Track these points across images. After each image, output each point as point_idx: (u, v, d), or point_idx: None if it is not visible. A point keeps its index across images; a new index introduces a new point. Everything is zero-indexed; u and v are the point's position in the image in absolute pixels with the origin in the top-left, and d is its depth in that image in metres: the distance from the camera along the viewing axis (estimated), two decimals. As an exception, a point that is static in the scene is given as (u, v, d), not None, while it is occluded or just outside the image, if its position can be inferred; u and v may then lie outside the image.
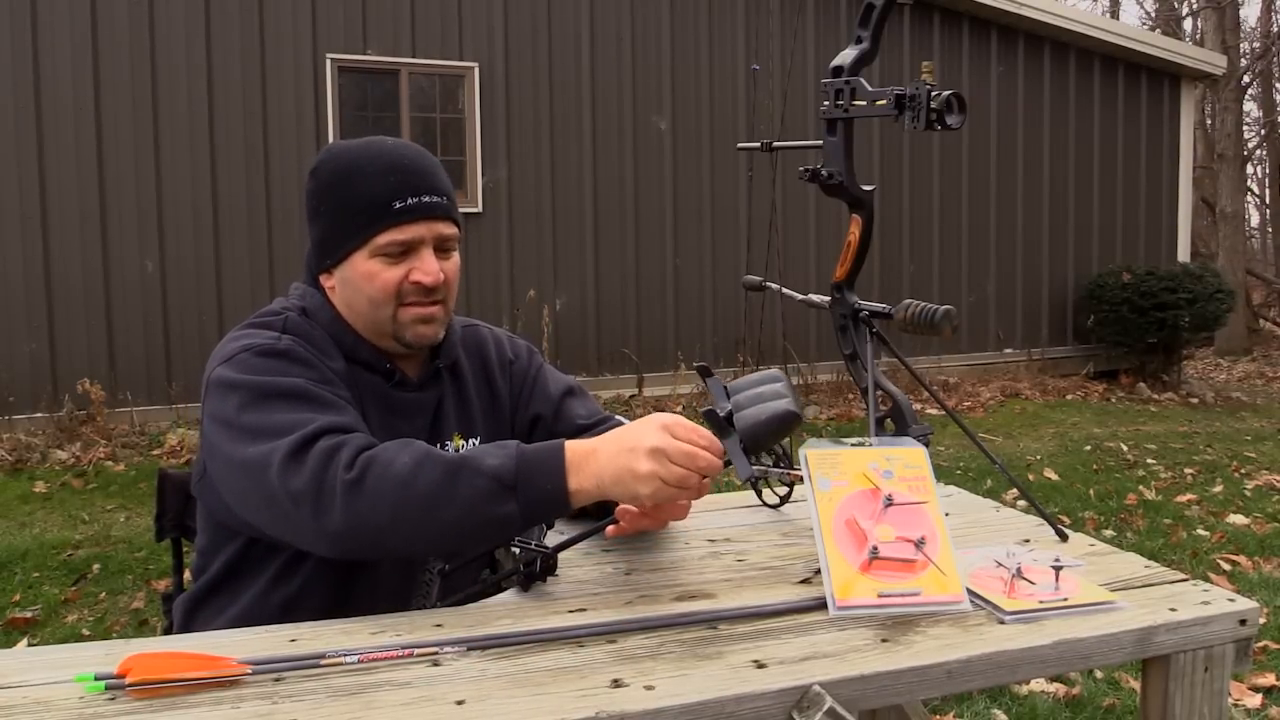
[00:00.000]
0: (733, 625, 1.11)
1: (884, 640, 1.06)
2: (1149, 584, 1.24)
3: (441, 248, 1.34)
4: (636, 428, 1.15)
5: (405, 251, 1.31)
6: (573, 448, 1.15)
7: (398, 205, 1.29)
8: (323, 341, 1.33)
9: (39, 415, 6.04)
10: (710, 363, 1.33)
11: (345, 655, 0.99)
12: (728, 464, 1.20)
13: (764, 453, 1.54)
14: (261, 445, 1.16)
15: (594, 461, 1.14)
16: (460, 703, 0.91)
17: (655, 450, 1.12)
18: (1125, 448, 6.29)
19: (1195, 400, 8.52)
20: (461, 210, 1.45)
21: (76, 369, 6.13)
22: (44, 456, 5.59)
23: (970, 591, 1.16)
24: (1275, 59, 18.18)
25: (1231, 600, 1.18)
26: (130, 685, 0.92)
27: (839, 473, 1.20)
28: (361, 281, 1.31)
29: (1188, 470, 5.65)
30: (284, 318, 1.33)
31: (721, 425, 1.22)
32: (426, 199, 1.31)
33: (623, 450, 1.13)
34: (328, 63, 6.76)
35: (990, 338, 9.01)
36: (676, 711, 0.91)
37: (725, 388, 1.30)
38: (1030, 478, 5.42)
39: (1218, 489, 5.19)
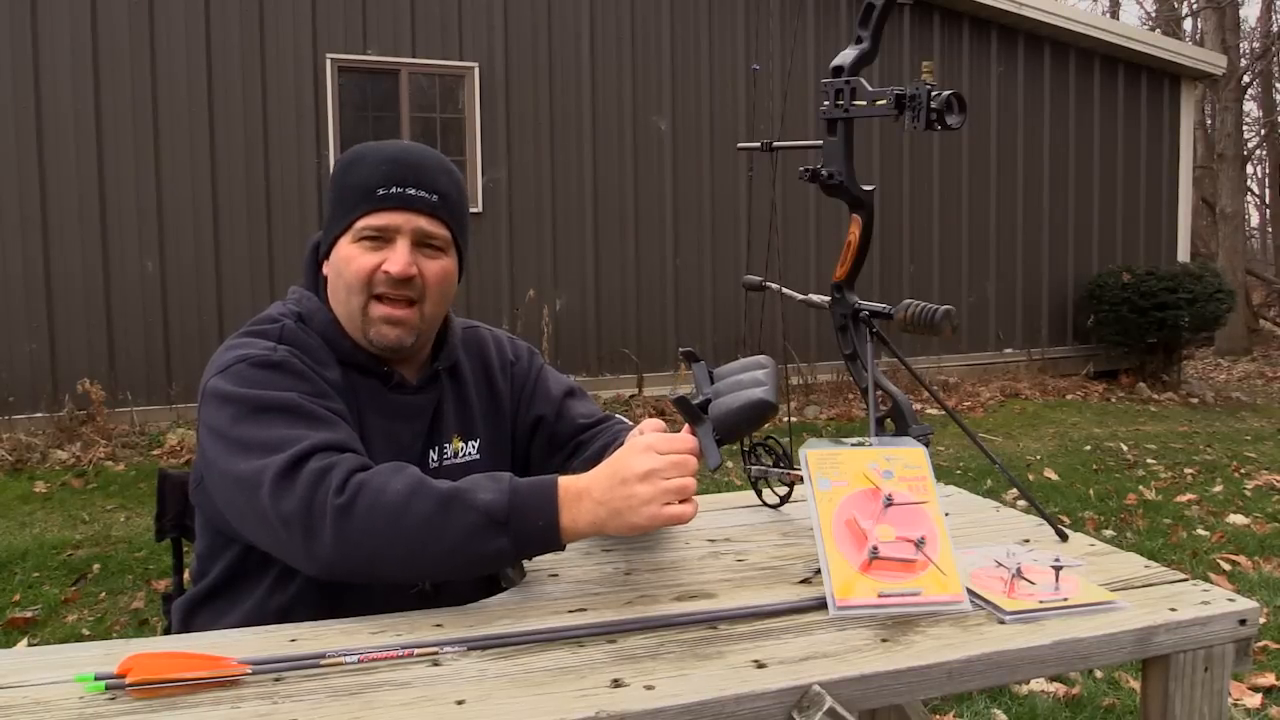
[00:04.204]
0: (733, 625, 1.10)
1: (884, 640, 1.06)
2: (1149, 584, 1.24)
3: (425, 244, 1.33)
4: (623, 458, 1.16)
5: (383, 240, 1.31)
6: (566, 485, 1.15)
7: (380, 192, 1.30)
8: (319, 350, 1.32)
9: (39, 415, 6.04)
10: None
11: (345, 655, 0.99)
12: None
13: (763, 449, 1.54)
14: (254, 461, 1.16)
15: (588, 499, 1.14)
16: (460, 703, 0.91)
17: (648, 473, 1.13)
18: (1125, 448, 6.29)
19: (1195, 400, 8.52)
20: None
21: (76, 369, 6.13)
22: (44, 456, 5.59)
23: (970, 591, 1.16)
24: (1275, 59, 18.18)
25: (1231, 600, 1.18)
26: (130, 685, 0.92)
27: (839, 473, 1.20)
28: (342, 265, 1.32)
29: (1188, 470, 5.65)
30: (281, 326, 1.33)
31: (694, 413, 1.22)
32: (411, 191, 1.31)
33: (615, 484, 1.14)
34: (328, 63, 6.76)
35: (990, 338, 9.01)
36: (676, 711, 0.91)
37: (711, 373, 1.31)
38: (1030, 478, 5.42)
39: (1218, 489, 5.19)
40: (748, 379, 1.25)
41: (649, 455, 1.15)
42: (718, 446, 1.21)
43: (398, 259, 1.30)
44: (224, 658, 0.97)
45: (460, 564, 1.14)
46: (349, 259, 1.32)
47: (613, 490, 1.14)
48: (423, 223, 1.32)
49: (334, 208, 1.35)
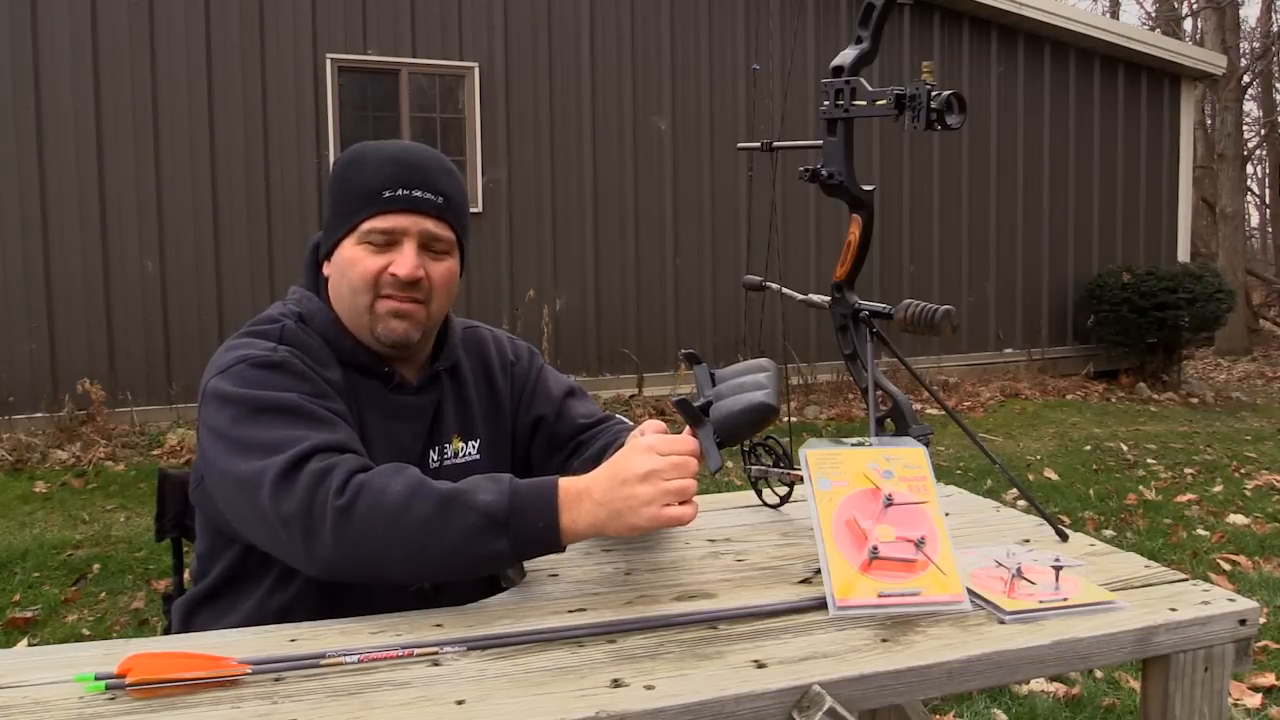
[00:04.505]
0: (732, 625, 1.10)
1: (884, 640, 1.06)
2: (1149, 584, 1.24)
3: (430, 247, 1.33)
4: (623, 459, 1.16)
5: (389, 242, 1.31)
6: (566, 486, 1.15)
7: (386, 194, 1.30)
8: (319, 351, 1.32)
9: (39, 415, 6.04)
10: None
11: (345, 655, 0.99)
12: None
13: (763, 449, 1.54)
14: (254, 462, 1.16)
15: (588, 500, 1.14)
16: (460, 703, 0.91)
17: (648, 474, 1.13)
18: (1125, 448, 6.29)
19: (1195, 400, 8.52)
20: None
21: (76, 369, 6.13)
22: (44, 456, 5.59)
23: (970, 591, 1.16)
24: (1275, 59, 18.18)
25: (1231, 600, 1.18)
26: (130, 685, 0.92)
27: (839, 473, 1.20)
28: (346, 267, 1.32)
29: (1188, 470, 5.65)
30: (281, 326, 1.33)
31: (695, 415, 1.22)
32: (417, 193, 1.31)
33: (615, 485, 1.13)
34: (328, 63, 6.76)
35: (990, 338, 9.01)
36: (676, 711, 0.91)
37: (713, 375, 1.31)
38: (1030, 478, 5.42)
39: (1218, 489, 5.19)
40: (749, 381, 1.24)
41: (649, 456, 1.14)
42: (718, 449, 1.21)
43: (405, 262, 1.30)
44: (224, 658, 0.97)
45: (460, 565, 1.14)
46: (354, 261, 1.31)
47: (613, 491, 1.13)
48: (429, 225, 1.32)
49: (336, 208, 1.35)
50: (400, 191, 1.30)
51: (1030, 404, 7.84)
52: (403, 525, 1.10)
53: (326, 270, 1.37)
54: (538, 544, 1.15)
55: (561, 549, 1.17)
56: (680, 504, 1.14)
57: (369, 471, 1.15)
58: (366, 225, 1.31)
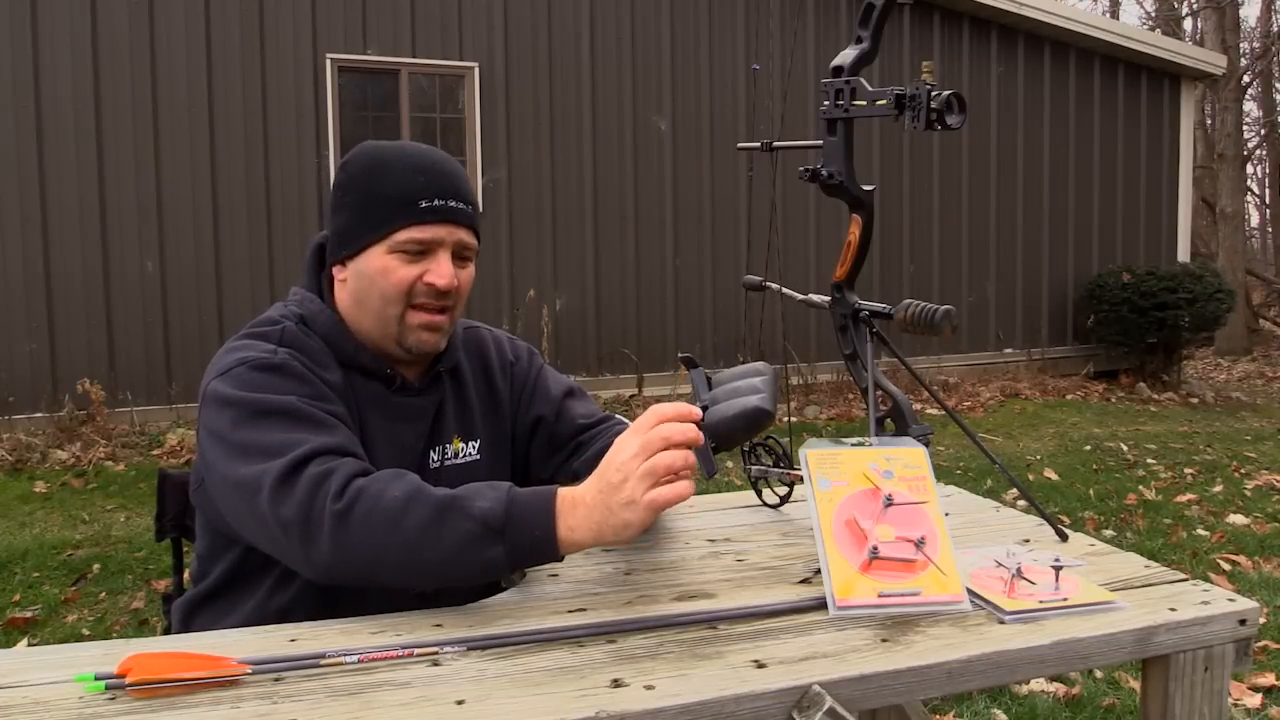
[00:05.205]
0: (732, 625, 1.10)
1: (884, 640, 1.06)
2: (1149, 584, 1.24)
3: (460, 255, 1.35)
4: (610, 455, 1.11)
5: (423, 252, 1.31)
6: (564, 495, 1.12)
7: (423, 204, 1.30)
8: (319, 353, 1.32)
9: (39, 415, 6.04)
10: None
11: (345, 655, 0.99)
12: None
13: (763, 449, 1.54)
14: (254, 466, 1.16)
15: (582, 505, 1.10)
16: (460, 703, 0.91)
17: (633, 458, 1.08)
18: (1125, 448, 6.29)
19: (1195, 400, 8.52)
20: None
21: (76, 369, 6.13)
22: (44, 456, 5.59)
23: (970, 591, 1.16)
24: (1275, 59, 18.18)
25: (1231, 600, 1.17)
26: (130, 685, 0.92)
27: (839, 473, 1.20)
28: (376, 275, 1.31)
29: (1188, 470, 5.65)
30: (281, 328, 1.32)
31: None
32: (452, 203, 1.32)
33: (605, 487, 1.09)
34: (328, 63, 6.76)
35: (990, 338, 9.01)
36: (676, 711, 0.91)
37: (709, 379, 1.31)
38: (1030, 478, 5.42)
39: (1218, 489, 5.19)
40: (745, 386, 1.24)
41: (632, 438, 1.10)
42: (714, 454, 1.20)
43: (443, 272, 1.31)
44: (224, 658, 0.97)
45: (456, 571, 1.12)
46: (386, 270, 1.31)
47: (601, 494, 1.09)
48: (463, 235, 1.34)
49: (361, 215, 1.32)
50: (437, 202, 1.31)
51: (1030, 404, 7.84)
52: (399, 530, 1.09)
53: (340, 274, 1.36)
54: (534, 553, 1.12)
55: (559, 559, 1.14)
56: (676, 479, 1.07)
57: (368, 476, 1.14)
58: (403, 235, 1.30)
